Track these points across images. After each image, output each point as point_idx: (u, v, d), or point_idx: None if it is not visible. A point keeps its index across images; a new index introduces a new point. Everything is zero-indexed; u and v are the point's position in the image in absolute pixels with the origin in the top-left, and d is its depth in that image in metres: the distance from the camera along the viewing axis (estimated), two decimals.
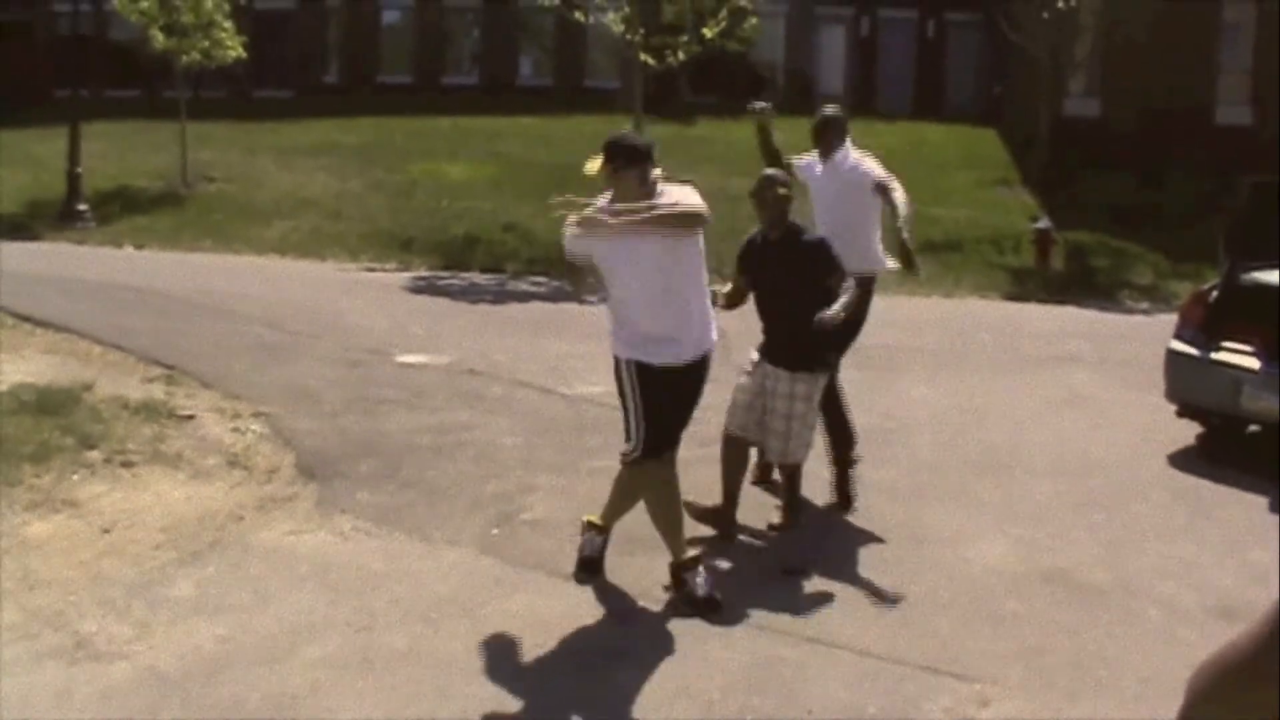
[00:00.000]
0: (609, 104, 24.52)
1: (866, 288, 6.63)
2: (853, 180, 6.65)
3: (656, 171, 5.07)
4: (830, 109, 7.08)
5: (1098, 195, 19.23)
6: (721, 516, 6.01)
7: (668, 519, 5.30)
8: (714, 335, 5.32)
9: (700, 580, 5.18)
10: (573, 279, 5.47)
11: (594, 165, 5.01)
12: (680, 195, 5.02)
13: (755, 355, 6.09)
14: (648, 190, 4.99)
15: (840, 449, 6.65)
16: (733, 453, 6.06)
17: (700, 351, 5.23)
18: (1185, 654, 4.69)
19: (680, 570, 5.24)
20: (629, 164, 4.99)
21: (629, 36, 17.17)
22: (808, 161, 6.90)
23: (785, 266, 5.91)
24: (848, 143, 6.81)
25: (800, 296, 5.78)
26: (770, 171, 6.15)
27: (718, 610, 5.07)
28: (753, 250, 6.07)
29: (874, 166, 6.66)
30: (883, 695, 4.44)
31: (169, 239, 17.16)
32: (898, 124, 24.11)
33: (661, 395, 5.14)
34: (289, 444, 7.20)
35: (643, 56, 17.19)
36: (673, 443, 5.29)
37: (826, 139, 6.81)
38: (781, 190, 5.93)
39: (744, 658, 4.71)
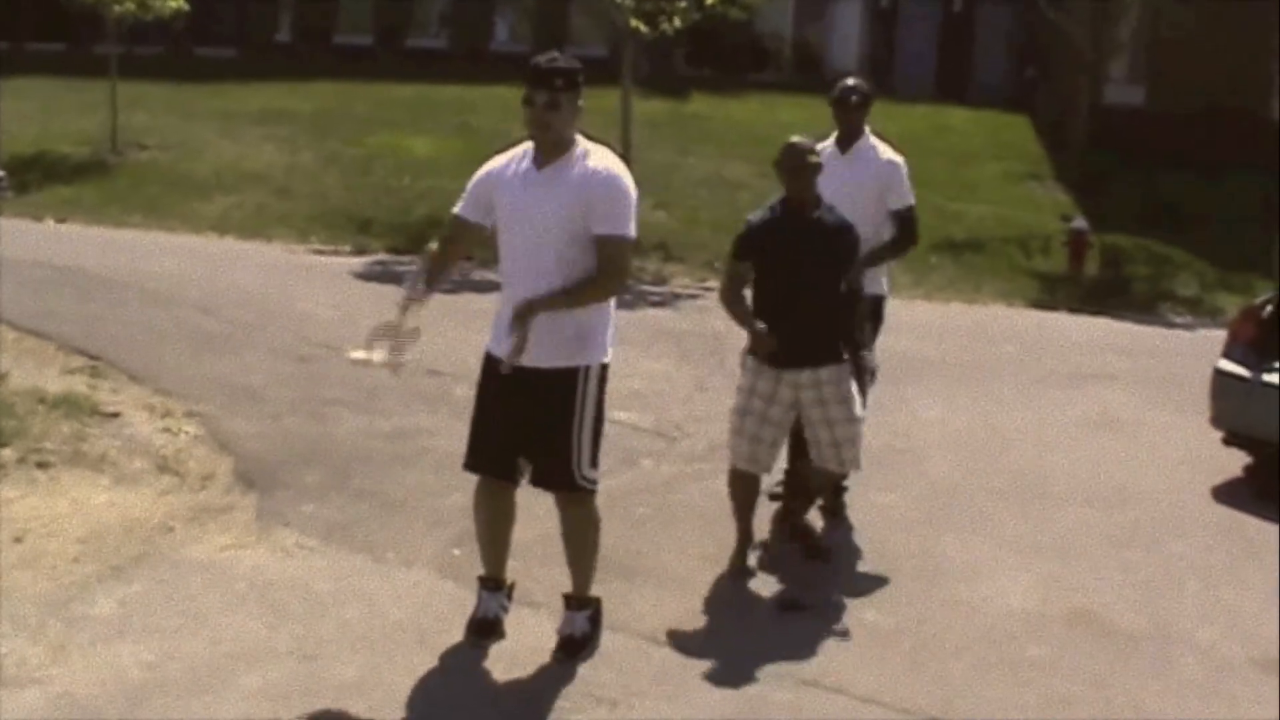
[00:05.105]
0: (595, 74, 24.49)
1: (877, 309, 6.62)
2: (883, 179, 6.51)
3: (580, 102, 5.04)
4: (855, 81, 6.79)
5: (1139, 194, 19.31)
6: (736, 555, 5.98)
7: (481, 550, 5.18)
8: (589, 353, 4.79)
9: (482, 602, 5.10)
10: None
11: None
12: (600, 162, 4.89)
13: (750, 369, 5.87)
14: (562, 115, 5.01)
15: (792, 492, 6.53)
16: (740, 489, 5.98)
17: (546, 362, 4.72)
18: (1226, 709, 4.73)
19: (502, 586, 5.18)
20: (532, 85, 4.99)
21: (619, 0, 17.18)
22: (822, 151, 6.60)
23: (810, 246, 5.75)
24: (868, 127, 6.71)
25: (823, 281, 5.75)
26: (797, 139, 5.89)
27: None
28: (763, 232, 5.81)
29: (905, 178, 6.53)
30: None
31: (95, 213, 17.11)
32: (918, 107, 24.16)
33: (490, 397, 4.93)
34: (226, 448, 7.19)
35: (634, 23, 17.21)
36: (495, 468, 4.98)
37: (857, 119, 6.62)
38: (813, 158, 5.77)
39: (732, 700, 4.73)
